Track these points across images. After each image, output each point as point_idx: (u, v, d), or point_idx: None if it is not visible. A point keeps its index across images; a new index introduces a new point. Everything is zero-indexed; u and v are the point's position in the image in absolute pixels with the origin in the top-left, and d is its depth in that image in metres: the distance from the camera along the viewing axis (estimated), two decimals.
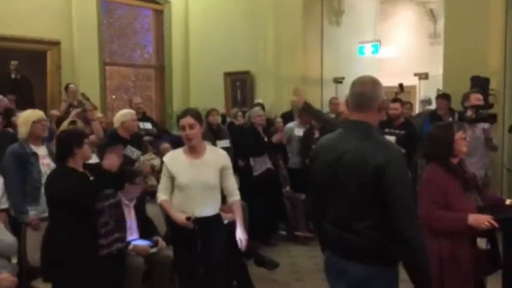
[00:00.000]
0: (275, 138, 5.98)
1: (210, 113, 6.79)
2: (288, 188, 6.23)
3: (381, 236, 2.12)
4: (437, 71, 7.80)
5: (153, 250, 3.86)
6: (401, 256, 2.15)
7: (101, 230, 3.43)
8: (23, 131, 3.91)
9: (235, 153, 6.17)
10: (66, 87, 7.45)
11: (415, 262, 2.11)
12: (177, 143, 4.15)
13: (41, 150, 3.97)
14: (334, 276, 2.34)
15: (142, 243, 3.86)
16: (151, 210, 4.41)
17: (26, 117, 3.95)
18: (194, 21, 9.53)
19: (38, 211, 3.84)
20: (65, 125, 4.74)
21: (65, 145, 3.26)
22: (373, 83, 2.27)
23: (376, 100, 2.23)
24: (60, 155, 3.30)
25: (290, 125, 6.54)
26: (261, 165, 5.74)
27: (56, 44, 7.87)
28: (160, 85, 9.76)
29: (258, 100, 8.10)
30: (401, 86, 6.52)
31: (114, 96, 9.35)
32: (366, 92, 2.24)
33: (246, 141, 5.91)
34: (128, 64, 9.54)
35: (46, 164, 3.93)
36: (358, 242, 2.16)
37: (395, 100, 5.63)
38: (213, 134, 6.33)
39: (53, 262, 3.21)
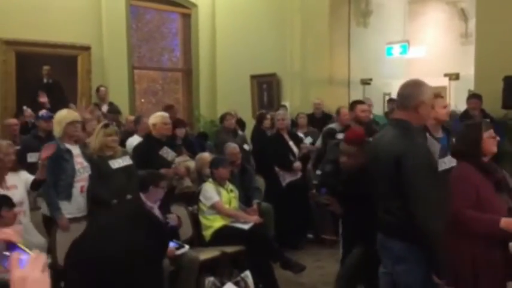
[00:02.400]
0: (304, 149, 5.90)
1: (224, 118, 6.66)
2: (314, 191, 6.16)
3: (409, 215, 2.39)
4: (468, 71, 7.62)
5: (179, 252, 3.88)
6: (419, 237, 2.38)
7: None
8: (57, 130, 4.05)
9: (259, 160, 6.10)
10: (98, 90, 7.62)
11: (430, 244, 2.37)
12: None
13: (75, 149, 4.07)
14: (382, 252, 2.68)
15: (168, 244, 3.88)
16: (179, 212, 4.45)
17: (61, 118, 4.08)
18: (221, 25, 9.59)
19: (69, 210, 3.92)
20: (97, 127, 4.83)
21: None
22: (414, 84, 2.54)
23: (413, 100, 2.45)
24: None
25: (331, 126, 6.38)
26: (290, 175, 5.66)
27: (87, 49, 8.04)
28: (188, 88, 9.85)
29: (283, 103, 8.06)
30: None
31: (143, 100, 9.48)
32: (403, 92, 2.51)
33: (271, 151, 5.80)
34: (156, 68, 9.66)
35: (79, 163, 4.03)
36: (392, 220, 2.50)
37: None
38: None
39: None
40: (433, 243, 2.37)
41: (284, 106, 7.41)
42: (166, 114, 5.06)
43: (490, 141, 2.84)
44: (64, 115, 4.11)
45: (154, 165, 4.41)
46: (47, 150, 3.61)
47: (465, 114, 6.09)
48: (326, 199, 4.00)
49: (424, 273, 2.44)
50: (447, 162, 3.45)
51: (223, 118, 6.73)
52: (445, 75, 8.71)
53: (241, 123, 7.38)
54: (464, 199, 2.74)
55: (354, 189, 3.39)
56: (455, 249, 2.81)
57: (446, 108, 3.86)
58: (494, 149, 2.87)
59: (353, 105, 4.69)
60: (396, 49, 9.18)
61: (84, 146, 4.25)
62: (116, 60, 8.26)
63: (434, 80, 7.12)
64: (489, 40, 6.47)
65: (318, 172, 5.67)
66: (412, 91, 2.48)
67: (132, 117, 6.65)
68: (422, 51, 10.27)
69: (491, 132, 2.85)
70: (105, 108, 7.26)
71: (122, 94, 8.12)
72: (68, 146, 4.02)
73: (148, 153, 4.61)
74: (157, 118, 4.91)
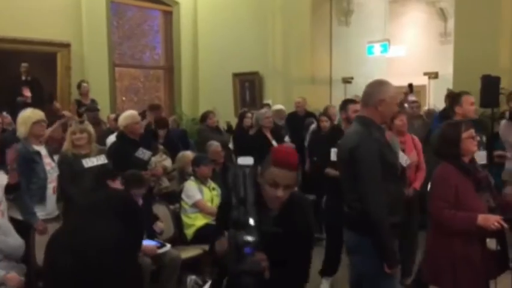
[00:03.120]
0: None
1: (207, 116, 6.64)
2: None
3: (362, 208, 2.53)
4: (447, 70, 7.74)
5: (161, 251, 3.87)
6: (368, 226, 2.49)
7: None
8: (22, 130, 3.89)
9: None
10: (79, 86, 7.49)
11: (376, 235, 2.49)
12: None
13: (43, 150, 3.95)
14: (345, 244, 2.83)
15: (150, 243, 3.86)
16: (160, 211, 4.43)
17: (25, 118, 3.92)
18: (203, 22, 9.55)
19: (45, 212, 3.85)
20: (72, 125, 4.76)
21: None
22: (376, 83, 2.66)
23: (374, 98, 2.58)
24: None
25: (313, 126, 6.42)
26: None
27: (66, 46, 7.93)
28: (169, 86, 9.79)
29: (266, 101, 8.07)
30: (410, 86, 6.46)
31: (124, 98, 9.39)
32: (366, 91, 2.63)
33: (253, 149, 5.78)
34: (137, 65, 9.57)
35: (48, 163, 3.91)
36: (348, 213, 2.64)
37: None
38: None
39: None
40: (378, 234, 2.49)
41: (268, 104, 7.41)
42: (135, 113, 4.91)
43: (469, 141, 2.84)
44: (28, 115, 3.94)
45: (130, 166, 4.34)
46: (11, 153, 3.48)
47: (444, 112, 6.18)
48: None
49: (376, 265, 2.53)
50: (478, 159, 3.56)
51: (205, 117, 6.70)
52: (425, 74, 8.84)
53: (229, 128, 7.41)
54: (443, 200, 2.78)
55: None
56: (436, 247, 2.87)
57: (474, 105, 3.96)
58: (474, 149, 2.89)
59: (345, 104, 4.31)
60: (377, 48, 9.28)
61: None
62: (96, 57, 8.16)
63: (414, 78, 7.22)
64: (467, 39, 6.59)
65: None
66: (373, 90, 2.61)
67: (113, 116, 6.58)
68: (402, 51, 10.41)
69: (471, 132, 2.85)
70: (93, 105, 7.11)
71: (102, 92, 8.02)
72: (35, 147, 3.90)
73: (123, 154, 4.50)
74: (127, 119, 4.74)
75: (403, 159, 4.13)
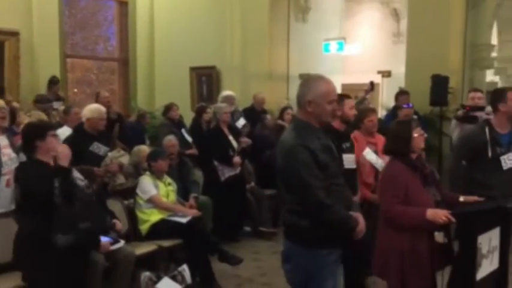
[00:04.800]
0: (244, 143, 5.93)
1: (170, 108, 6.59)
2: (252, 184, 6.22)
3: (297, 217, 2.44)
4: (399, 69, 7.97)
5: (114, 247, 3.78)
6: (323, 223, 2.40)
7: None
8: None
9: (199, 153, 6.09)
10: (51, 81, 7.16)
11: (332, 220, 2.41)
12: None
13: (2, 140, 3.77)
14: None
15: (103, 239, 3.76)
16: (114, 206, 4.33)
17: None
18: (159, 14, 9.39)
19: None
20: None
21: (27, 138, 3.27)
22: (304, 83, 2.55)
23: (302, 99, 2.47)
24: (24, 149, 3.30)
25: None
26: (229, 170, 5.64)
27: (14, 34, 7.58)
28: (124, 79, 9.57)
29: (226, 92, 7.72)
30: (372, 83, 6.60)
31: (76, 90, 9.11)
32: (297, 92, 2.52)
33: (211, 145, 5.74)
34: (90, 56, 9.30)
35: (7, 154, 3.72)
36: (285, 221, 2.55)
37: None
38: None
39: (23, 254, 3.19)
40: (336, 215, 2.41)
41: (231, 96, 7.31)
42: (102, 109, 4.82)
43: (418, 138, 2.99)
44: None
45: (85, 161, 4.22)
46: None
47: (394, 110, 6.36)
48: None
49: (305, 277, 2.47)
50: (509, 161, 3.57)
51: (169, 109, 6.61)
52: (378, 72, 9.07)
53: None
54: (393, 196, 2.88)
55: None
56: (385, 241, 2.97)
57: None
58: (422, 145, 3.04)
59: (340, 99, 3.71)
60: (333, 46, 9.42)
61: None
62: (47, 47, 7.86)
63: (368, 76, 7.38)
64: (419, 40, 6.81)
65: None
66: (301, 90, 2.50)
67: (62, 107, 6.36)
68: (357, 49, 10.62)
69: (419, 129, 3.01)
70: (57, 104, 6.78)
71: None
72: None
73: (78, 148, 4.37)
74: (94, 113, 4.64)
75: (378, 162, 3.95)
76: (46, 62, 7.80)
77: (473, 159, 3.71)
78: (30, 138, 3.25)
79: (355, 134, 4.11)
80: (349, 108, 3.75)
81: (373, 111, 4.24)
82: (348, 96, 3.89)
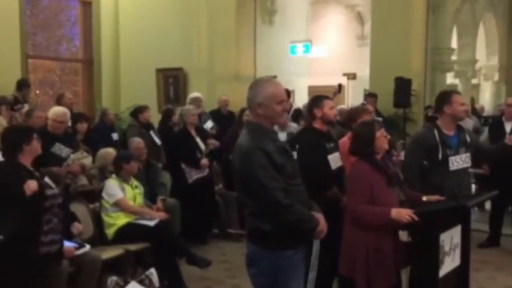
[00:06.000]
0: (211, 145, 5.92)
1: (142, 110, 6.49)
2: (220, 186, 6.22)
3: (258, 220, 2.45)
4: (364, 71, 8.13)
5: (79, 252, 3.71)
6: (284, 224, 2.40)
7: (43, 228, 3.23)
8: None
9: (167, 155, 6.04)
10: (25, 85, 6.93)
11: (292, 220, 2.40)
12: None
13: None
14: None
15: (67, 244, 3.68)
16: (79, 210, 4.25)
17: None
18: (125, 15, 9.25)
19: None
20: None
21: (13, 141, 3.24)
22: (251, 86, 2.55)
23: (251, 102, 2.49)
24: (9, 151, 3.26)
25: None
26: (196, 172, 5.60)
27: None
28: (88, 80, 9.38)
29: (194, 94, 7.63)
30: (339, 86, 6.72)
31: (38, 91, 8.87)
32: (247, 95, 2.53)
33: (178, 148, 5.70)
34: (53, 57, 9.06)
35: None
36: (247, 225, 2.55)
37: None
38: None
39: None
40: (295, 215, 2.40)
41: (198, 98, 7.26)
42: (67, 113, 4.80)
43: (382, 139, 3.06)
44: None
45: (46, 163, 4.13)
46: None
47: None
48: None
49: (270, 279, 2.48)
50: (459, 162, 3.61)
51: (140, 111, 6.51)
52: (344, 74, 9.22)
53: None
54: (359, 196, 2.95)
55: None
56: (351, 240, 3.03)
57: (464, 106, 3.73)
58: (386, 146, 3.11)
59: (319, 101, 3.76)
60: (299, 48, 9.53)
61: None
62: (7, 47, 7.61)
63: (334, 79, 7.51)
64: (382, 43, 6.97)
65: None
66: (250, 94, 2.51)
67: (25, 109, 6.18)
68: (323, 51, 10.78)
69: (382, 130, 3.08)
70: (26, 107, 6.54)
71: (13, 84, 7.51)
72: None
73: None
74: (57, 116, 4.66)
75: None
76: (6, 62, 7.55)
77: (425, 162, 3.70)
78: (17, 141, 3.22)
79: (350, 135, 4.06)
80: (329, 109, 3.70)
81: (366, 111, 4.15)
82: (326, 97, 3.87)
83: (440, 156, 3.58)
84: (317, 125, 3.71)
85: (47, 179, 3.41)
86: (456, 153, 3.63)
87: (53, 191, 3.35)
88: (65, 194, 4.09)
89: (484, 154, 4.29)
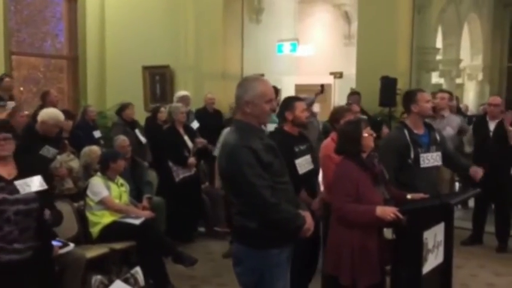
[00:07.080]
0: (199, 144, 5.90)
1: (126, 107, 6.47)
2: (207, 184, 6.20)
3: (245, 219, 2.45)
4: (351, 70, 8.17)
5: (63, 251, 3.68)
6: (271, 222, 2.41)
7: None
8: None
9: (153, 153, 6.01)
10: (1, 79, 6.75)
11: (278, 218, 2.41)
12: None
13: None
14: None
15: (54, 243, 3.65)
16: (63, 209, 4.20)
17: None
18: (111, 11, 9.16)
19: None
20: None
21: None
22: (239, 85, 2.56)
23: (240, 101, 2.51)
24: None
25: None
26: (183, 171, 5.56)
27: None
28: (74, 77, 9.28)
29: (182, 92, 7.58)
30: (322, 86, 6.73)
31: (22, 88, 8.75)
32: (235, 94, 2.54)
33: (165, 145, 5.66)
34: (37, 54, 8.95)
35: None
36: (234, 224, 2.55)
37: None
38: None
39: None
40: (281, 214, 2.40)
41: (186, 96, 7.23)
42: (61, 117, 4.73)
43: (368, 138, 3.08)
44: None
45: (34, 164, 4.06)
46: None
47: None
48: None
49: (256, 278, 2.49)
50: (430, 159, 3.63)
51: (124, 108, 6.45)
52: (331, 73, 9.26)
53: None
54: (345, 195, 2.96)
55: None
56: (337, 238, 3.05)
57: (430, 102, 3.74)
58: (372, 145, 3.12)
59: (290, 103, 3.64)
60: (287, 47, 9.55)
61: None
62: None
63: (321, 77, 7.54)
64: (369, 42, 7.01)
65: None
66: (238, 92, 2.52)
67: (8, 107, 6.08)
68: (310, 50, 10.81)
69: (368, 129, 3.09)
70: (11, 104, 6.40)
71: None
72: None
73: (27, 151, 4.21)
74: (50, 119, 4.60)
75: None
76: None
77: (398, 162, 3.66)
78: None
79: (333, 135, 3.94)
80: (301, 111, 3.59)
81: (349, 110, 4.11)
82: (298, 99, 3.79)
83: (412, 155, 3.60)
84: (287, 127, 3.61)
85: (36, 179, 3.02)
86: (427, 151, 3.65)
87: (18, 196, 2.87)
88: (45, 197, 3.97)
89: (455, 166, 4.16)
